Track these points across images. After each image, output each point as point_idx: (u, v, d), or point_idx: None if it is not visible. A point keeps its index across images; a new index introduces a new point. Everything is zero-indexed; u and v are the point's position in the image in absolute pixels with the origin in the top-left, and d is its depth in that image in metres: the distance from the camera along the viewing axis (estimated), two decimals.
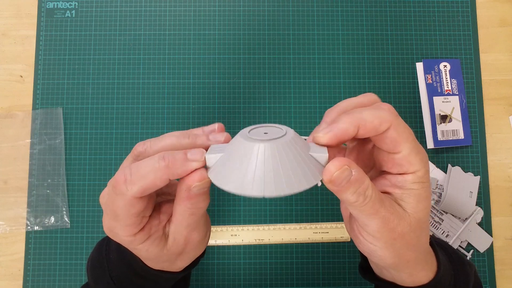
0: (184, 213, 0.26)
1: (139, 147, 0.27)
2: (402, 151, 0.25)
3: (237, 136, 0.24)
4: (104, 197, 0.27)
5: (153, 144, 0.26)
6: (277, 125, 0.25)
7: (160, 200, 0.30)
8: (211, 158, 0.24)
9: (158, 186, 0.24)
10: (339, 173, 0.23)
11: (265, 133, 0.24)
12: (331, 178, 0.23)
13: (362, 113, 0.24)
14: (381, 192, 0.27)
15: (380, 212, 0.25)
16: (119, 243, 0.31)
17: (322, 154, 0.24)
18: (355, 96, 0.29)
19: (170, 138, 0.26)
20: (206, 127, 0.27)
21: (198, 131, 0.27)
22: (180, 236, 0.28)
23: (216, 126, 0.27)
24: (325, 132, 0.24)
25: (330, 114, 0.27)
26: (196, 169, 0.24)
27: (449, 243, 0.56)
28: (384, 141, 0.25)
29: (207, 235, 0.30)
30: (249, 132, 0.24)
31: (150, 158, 0.24)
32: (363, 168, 0.30)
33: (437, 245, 0.34)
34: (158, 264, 0.30)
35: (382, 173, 0.28)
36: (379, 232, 0.26)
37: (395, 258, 0.27)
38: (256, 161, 0.22)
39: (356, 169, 0.24)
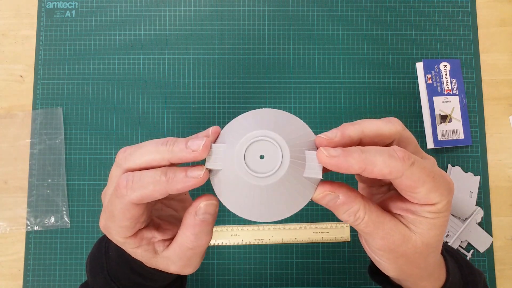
0: (186, 244, 0.27)
1: (120, 154, 0.26)
2: (419, 193, 0.25)
3: (235, 153, 0.25)
4: (106, 196, 0.28)
5: (133, 151, 0.26)
6: (272, 137, 0.24)
7: (163, 214, 0.31)
8: (211, 165, 0.25)
9: (156, 198, 0.25)
10: (320, 198, 0.25)
11: (261, 156, 0.24)
12: (315, 199, 0.25)
13: (375, 158, 0.23)
14: (393, 212, 0.27)
15: (377, 233, 0.26)
16: None
17: (315, 177, 0.25)
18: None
19: (150, 146, 0.26)
20: (201, 133, 0.26)
21: (181, 145, 0.25)
22: (172, 265, 0.29)
23: (210, 131, 0.26)
24: (329, 156, 0.24)
25: (347, 130, 0.25)
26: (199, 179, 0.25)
27: (449, 243, 0.56)
28: (397, 185, 0.25)
29: (198, 265, 0.31)
30: (246, 151, 0.24)
31: (153, 170, 0.25)
32: (377, 188, 0.30)
33: (448, 253, 0.34)
34: (152, 265, 0.30)
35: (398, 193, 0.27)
36: (379, 250, 0.26)
37: (397, 271, 0.28)
38: (253, 199, 0.25)
39: (344, 193, 0.25)
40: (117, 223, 0.26)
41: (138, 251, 0.28)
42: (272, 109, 0.26)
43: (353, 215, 0.25)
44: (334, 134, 0.25)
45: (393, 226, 0.26)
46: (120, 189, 0.25)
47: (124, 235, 0.27)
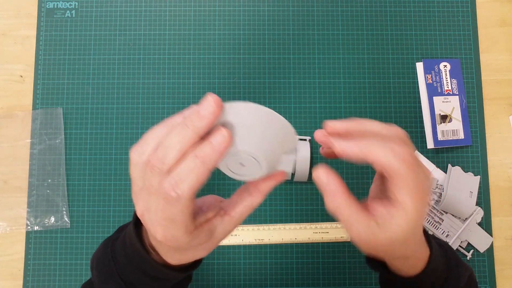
0: (251, 206, 0.30)
1: (135, 155, 0.27)
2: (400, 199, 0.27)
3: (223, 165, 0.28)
4: (147, 213, 0.27)
5: (162, 152, 0.26)
6: (252, 155, 0.26)
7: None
8: None
9: (203, 181, 0.25)
10: (315, 178, 0.29)
11: (241, 164, 0.27)
12: (313, 177, 0.29)
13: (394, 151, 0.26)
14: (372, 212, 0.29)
15: (349, 227, 0.28)
16: (123, 246, 0.32)
17: (287, 170, 0.29)
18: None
19: (174, 138, 0.26)
20: (201, 107, 0.27)
21: (196, 117, 0.26)
22: (229, 229, 0.30)
23: (210, 100, 0.26)
24: (339, 145, 0.27)
25: (353, 125, 0.29)
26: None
27: (449, 243, 0.56)
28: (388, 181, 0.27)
29: None
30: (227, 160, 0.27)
31: (186, 161, 0.25)
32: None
33: (439, 246, 0.36)
34: (209, 244, 0.31)
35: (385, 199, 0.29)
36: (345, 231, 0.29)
37: (367, 251, 0.30)
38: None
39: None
40: (180, 225, 0.26)
41: (201, 235, 0.28)
42: (253, 106, 0.26)
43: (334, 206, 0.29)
44: (341, 127, 0.29)
45: (366, 223, 0.28)
46: (170, 194, 0.25)
47: (190, 231, 0.27)
